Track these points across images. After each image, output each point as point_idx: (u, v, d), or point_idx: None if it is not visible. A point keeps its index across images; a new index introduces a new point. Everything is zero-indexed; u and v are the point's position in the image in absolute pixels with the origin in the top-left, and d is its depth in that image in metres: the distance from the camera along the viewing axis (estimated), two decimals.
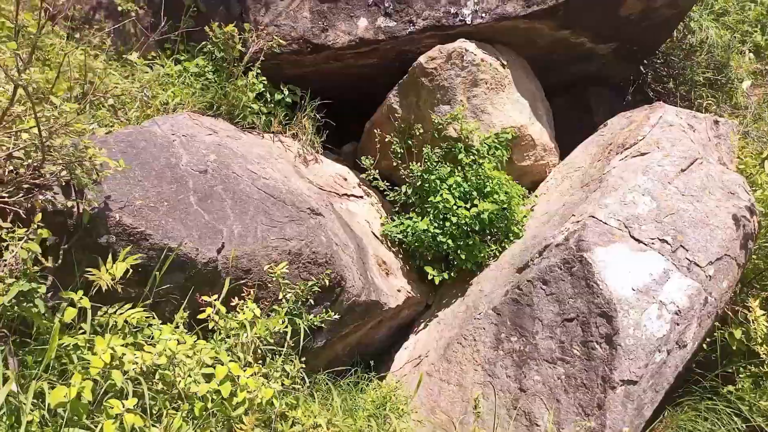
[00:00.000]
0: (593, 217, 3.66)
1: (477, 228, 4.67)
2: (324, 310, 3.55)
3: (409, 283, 4.93)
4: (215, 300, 2.83)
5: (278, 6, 4.72)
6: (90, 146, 2.50)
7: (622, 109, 5.39)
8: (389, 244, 4.99)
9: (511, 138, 4.94)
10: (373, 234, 4.86)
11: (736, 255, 3.61)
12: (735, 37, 5.96)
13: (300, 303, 3.17)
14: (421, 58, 4.67)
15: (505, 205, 4.69)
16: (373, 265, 4.47)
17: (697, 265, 3.50)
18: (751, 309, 3.50)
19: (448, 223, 4.68)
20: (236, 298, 3.01)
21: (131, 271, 2.58)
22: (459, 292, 4.93)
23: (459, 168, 4.80)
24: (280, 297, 3.06)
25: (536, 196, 5.14)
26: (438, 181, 4.76)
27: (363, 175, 5.18)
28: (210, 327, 2.81)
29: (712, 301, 3.54)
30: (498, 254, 4.83)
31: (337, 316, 3.33)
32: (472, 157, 4.80)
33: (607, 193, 3.78)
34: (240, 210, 3.29)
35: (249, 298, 2.96)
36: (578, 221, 3.77)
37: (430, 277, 4.83)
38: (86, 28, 4.54)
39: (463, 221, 4.63)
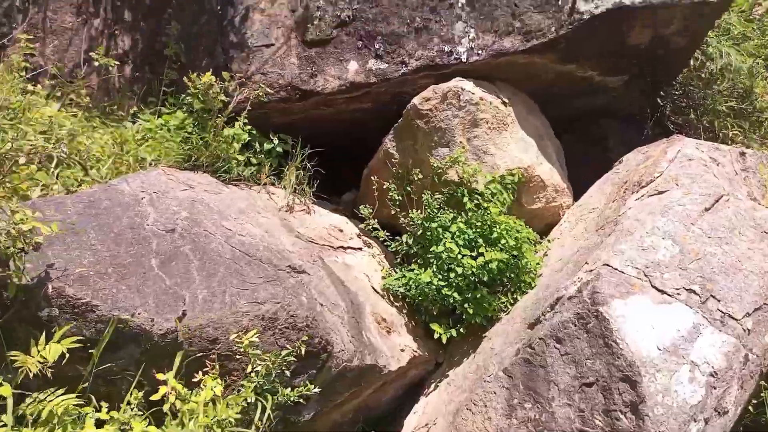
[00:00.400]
0: (608, 265, 3.24)
1: (485, 279, 4.27)
2: (308, 380, 3.17)
3: (415, 340, 4.52)
4: (171, 377, 2.48)
5: (264, 53, 4.52)
6: (18, 210, 2.24)
7: (641, 143, 5.00)
8: (392, 299, 4.61)
9: (517, 180, 4.58)
10: (373, 288, 4.49)
11: None
12: (758, 62, 5.58)
13: (275, 375, 2.79)
14: (415, 100, 4.39)
15: (515, 252, 4.30)
16: (371, 323, 4.08)
17: (732, 318, 3.04)
18: None
19: (453, 275, 4.29)
20: (200, 373, 2.66)
21: (67, 354, 2.26)
22: (470, 348, 4.49)
23: (462, 214, 4.45)
24: (249, 371, 2.69)
25: (549, 242, 4.73)
26: (440, 229, 4.40)
27: (362, 225, 4.85)
28: (166, 409, 2.45)
29: (753, 358, 3.06)
30: (510, 306, 4.40)
31: (317, 390, 2.94)
32: (476, 201, 4.44)
33: (623, 238, 3.36)
34: (208, 272, 2.97)
35: (212, 374, 2.60)
36: (591, 270, 3.35)
37: (436, 336, 4.41)
38: (69, 85, 4.40)
39: (470, 272, 4.24)
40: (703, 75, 5.85)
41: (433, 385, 4.57)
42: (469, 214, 4.41)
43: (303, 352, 2.85)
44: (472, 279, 4.28)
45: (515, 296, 4.41)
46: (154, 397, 2.45)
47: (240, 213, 3.59)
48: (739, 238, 3.26)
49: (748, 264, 3.18)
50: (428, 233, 4.47)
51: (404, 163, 4.64)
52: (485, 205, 4.39)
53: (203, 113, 4.15)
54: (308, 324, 3.11)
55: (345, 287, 3.98)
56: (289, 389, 2.83)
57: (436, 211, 4.44)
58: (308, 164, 4.69)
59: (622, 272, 3.19)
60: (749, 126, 5.58)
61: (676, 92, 6.10)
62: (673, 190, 3.47)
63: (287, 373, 2.84)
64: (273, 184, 4.71)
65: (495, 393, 3.66)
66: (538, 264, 4.54)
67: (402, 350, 4.29)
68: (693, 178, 3.50)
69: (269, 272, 3.16)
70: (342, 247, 4.56)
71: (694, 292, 3.07)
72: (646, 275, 3.16)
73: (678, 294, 3.06)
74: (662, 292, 3.08)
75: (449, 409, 4.05)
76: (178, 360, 2.57)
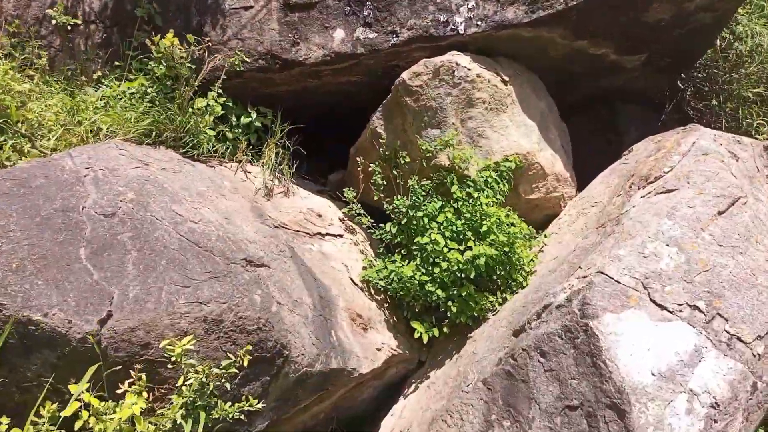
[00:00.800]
0: (602, 272, 2.86)
1: (472, 275, 3.90)
2: (260, 388, 2.86)
3: (395, 337, 4.19)
4: (83, 389, 2.17)
5: (242, 17, 4.11)
6: None
7: (658, 130, 4.54)
8: (372, 292, 4.27)
9: (515, 167, 4.17)
10: (351, 280, 4.15)
11: None
12: None
13: (213, 388, 2.47)
14: (404, 75, 3.97)
15: (506, 248, 3.91)
16: (343, 320, 3.75)
17: (741, 341, 2.65)
18: None
19: (437, 269, 3.93)
20: (126, 384, 2.35)
21: None
22: (454, 348, 4.15)
23: (451, 203, 4.06)
24: (180, 383, 2.37)
25: (546, 236, 4.34)
26: (426, 219, 4.03)
27: (344, 210, 4.49)
28: (77, 427, 2.15)
29: (763, 387, 2.67)
30: (498, 306, 4.05)
31: (261, 405, 2.61)
32: (467, 189, 4.05)
33: (622, 242, 2.97)
34: (146, 265, 2.64)
35: (138, 385, 2.28)
36: (584, 277, 2.97)
37: (417, 335, 4.07)
38: (28, 45, 4.04)
39: (455, 267, 3.88)
40: (729, 56, 5.32)
41: (413, 386, 4.26)
42: (459, 203, 4.03)
43: (245, 362, 2.51)
44: (458, 275, 3.92)
45: (505, 295, 4.05)
46: (66, 413, 2.14)
47: (198, 195, 3.24)
48: (756, 247, 2.85)
49: (763, 278, 2.78)
50: (413, 222, 4.11)
51: (392, 144, 4.25)
52: (476, 194, 4.00)
53: (167, 80, 3.78)
54: (260, 327, 2.78)
55: (316, 280, 3.64)
56: (230, 403, 2.50)
57: (422, 198, 4.07)
58: (290, 141, 4.32)
59: (618, 282, 2.81)
60: None
61: (699, 75, 5.58)
62: (683, 188, 3.05)
63: (228, 385, 2.51)
64: (251, 162, 4.35)
65: (472, 405, 3.32)
66: (531, 261, 4.16)
67: (378, 349, 3.97)
68: (707, 176, 3.07)
69: (219, 266, 2.81)
70: (320, 233, 4.21)
71: (698, 309, 2.67)
72: (645, 287, 2.77)
73: (680, 311, 2.67)
74: (662, 307, 2.70)
75: (426, 417, 3.74)
76: (91, 371, 2.24)
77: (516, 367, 3.13)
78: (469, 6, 4.00)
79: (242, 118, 4.27)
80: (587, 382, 2.74)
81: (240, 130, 4.31)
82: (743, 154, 3.49)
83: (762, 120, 4.97)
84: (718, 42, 5.32)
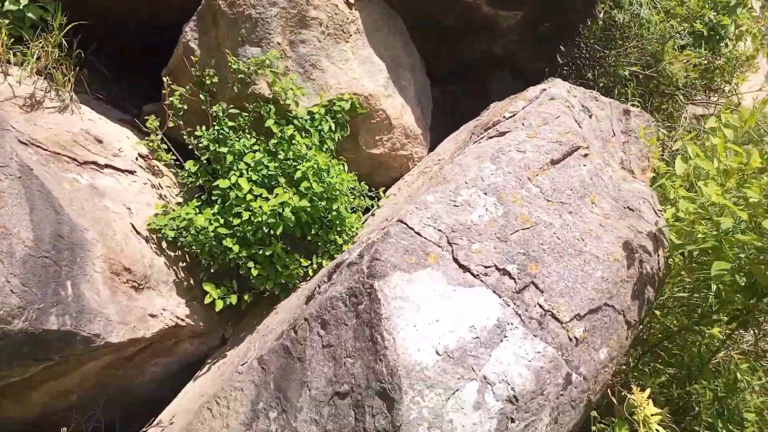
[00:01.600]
0: (402, 222, 2.19)
1: (279, 231, 3.15)
2: None
3: (188, 304, 3.38)
4: None
5: None
6: None
7: None
8: (163, 245, 3.42)
9: (351, 108, 3.47)
10: (133, 227, 3.28)
11: (624, 307, 2.19)
12: (672, 25, 4.72)
13: None
14: None
15: (322, 202, 3.20)
16: (97, 272, 2.87)
17: (556, 319, 2.06)
18: (637, 403, 2.06)
19: (237, 221, 3.15)
20: None
21: None
22: (258, 323, 3.40)
23: (267, 141, 3.30)
24: None
25: (383, 197, 3.67)
26: (231, 157, 3.24)
27: (143, 142, 3.60)
28: None
29: (578, 381, 2.10)
30: (312, 274, 3.33)
31: None
32: (290, 126, 3.30)
33: (434, 187, 2.32)
34: None
35: None
36: (384, 228, 2.29)
37: (208, 300, 3.26)
38: None
39: (260, 219, 3.11)
40: (612, 35, 4.91)
41: (206, 367, 3.46)
42: (275, 142, 3.27)
43: None
44: (265, 230, 3.17)
45: (321, 261, 3.34)
46: None
47: None
48: (590, 208, 2.29)
49: (593, 245, 2.21)
50: (220, 161, 3.31)
51: (206, 63, 3.42)
52: (297, 134, 3.26)
53: None
54: None
55: (59, 215, 2.75)
56: None
57: (229, 131, 3.27)
58: (62, 40, 3.36)
59: (419, 234, 2.14)
60: (652, 98, 4.73)
61: (580, 53, 5.15)
62: (516, 130, 2.44)
63: None
64: (20, 65, 3.36)
65: (242, 390, 2.58)
66: (361, 225, 3.48)
67: (153, 315, 3.14)
68: (545, 118, 2.48)
69: None
70: (96, 163, 3.29)
71: (508, 274, 2.06)
72: (449, 242, 2.12)
73: (485, 274, 2.04)
74: (465, 268, 2.06)
75: (198, 404, 2.95)
76: None
77: (295, 341, 2.42)
78: None
79: (7, 2, 3.27)
80: (362, 361, 2.05)
81: (7, 21, 3.31)
82: (599, 113, 2.97)
83: (637, 101, 4.59)
84: (601, 16, 4.90)
